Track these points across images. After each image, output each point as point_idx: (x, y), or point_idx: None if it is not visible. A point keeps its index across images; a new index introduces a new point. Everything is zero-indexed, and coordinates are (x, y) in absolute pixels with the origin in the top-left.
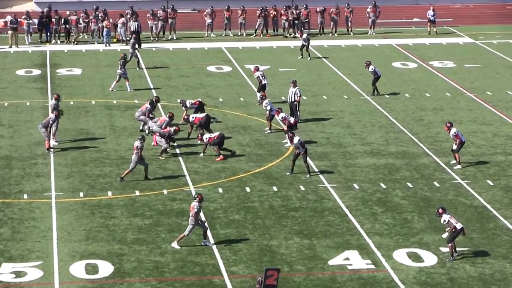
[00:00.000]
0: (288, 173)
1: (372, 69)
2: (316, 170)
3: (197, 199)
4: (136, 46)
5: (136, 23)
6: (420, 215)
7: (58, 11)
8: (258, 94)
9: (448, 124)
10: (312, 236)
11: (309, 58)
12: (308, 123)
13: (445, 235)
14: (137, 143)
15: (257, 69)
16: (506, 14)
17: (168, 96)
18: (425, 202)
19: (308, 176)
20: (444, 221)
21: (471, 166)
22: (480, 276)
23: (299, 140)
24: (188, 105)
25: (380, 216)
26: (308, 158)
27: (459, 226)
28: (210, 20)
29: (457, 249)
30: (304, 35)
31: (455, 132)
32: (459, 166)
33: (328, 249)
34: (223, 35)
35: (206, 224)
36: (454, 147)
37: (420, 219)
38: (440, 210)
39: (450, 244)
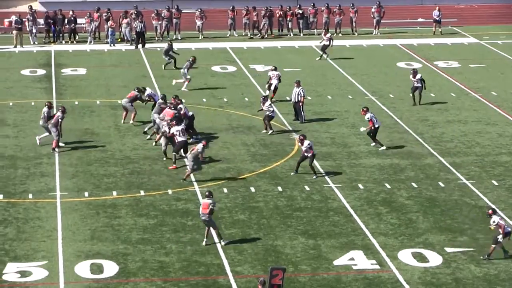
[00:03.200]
0: (292, 173)
1: (419, 77)
2: (322, 171)
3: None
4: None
5: (141, 24)
6: (425, 215)
7: (62, 11)
8: (268, 92)
9: (365, 109)
10: (317, 236)
11: (318, 58)
12: (313, 123)
13: (500, 237)
14: (198, 146)
15: (274, 69)
16: (511, 14)
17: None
18: (430, 202)
19: (315, 177)
20: (494, 222)
21: (476, 166)
22: (485, 276)
23: (309, 143)
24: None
25: (385, 216)
26: (314, 161)
27: (507, 229)
28: (200, 22)
29: (462, 249)
30: (328, 35)
31: (368, 117)
32: (383, 148)
33: (333, 249)
34: (228, 35)
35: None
36: (367, 130)
37: (425, 219)
38: (490, 211)
39: (494, 246)
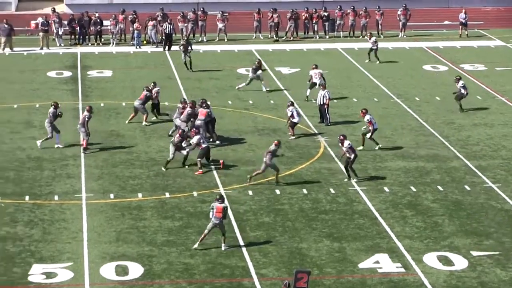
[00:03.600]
0: (346, 179)
1: (461, 84)
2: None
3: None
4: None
5: (170, 25)
6: (451, 219)
7: (88, 13)
8: (309, 91)
9: (364, 110)
10: (342, 239)
11: (377, 62)
12: (338, 126)
13: None
14: (271, 147)
15: (315, 67)
16: None
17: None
18: (455, 206)
19: (354, 180)
20: None
21: (502, 170)
22: (511, 280)
23: (349, 144)
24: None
25: (410, 219)
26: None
27: None
28: (222, 25)
29: (488, 253)
30: (373, 38)
31: (368, 119)
32: (361, 148)
33: (358, 252)
34: (253, 37)
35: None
36: (364, 130)
37: (451, 222)
38: None
39: None
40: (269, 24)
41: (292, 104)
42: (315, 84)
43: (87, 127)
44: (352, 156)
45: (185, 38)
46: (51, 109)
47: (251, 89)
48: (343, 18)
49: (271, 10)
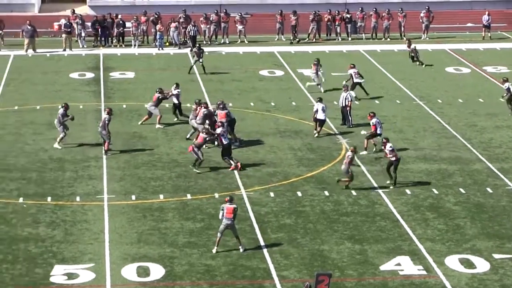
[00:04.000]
0: (391, 187)
1: (506, 86)
2: (390, 181)
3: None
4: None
5: (194, 27)
6: (473, 221)
7: (111, 14)
8: (352, 92)
9: (372, 114)
10: (363, 241)
11: (423, 66)
12: (360, 128)
13: None
14: (348, 153)
15: (352, 66)
16: None
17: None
18: (477, 208)
19: (388, 182)
20: None
21: None
22: None
23: (391, 146)
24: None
25: (432, 222)
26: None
27: None
28: (242, 27)
29: (510, 255)
30: (412, 46)
31: (373, 122)
32: (364, 152)
33: (379, 254)
34: (276, 39)
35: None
36: (363, 132)
37: (473, 225)
38: None
39: None
40: (277, 26)
41: (320, 101)
42: (357, 84)
43: (108, 129)
44: (393, 159)
45: (198, 45)
46: (61, 110)
47: (273, 91)
48: (364, 20)
49: (294, 12)
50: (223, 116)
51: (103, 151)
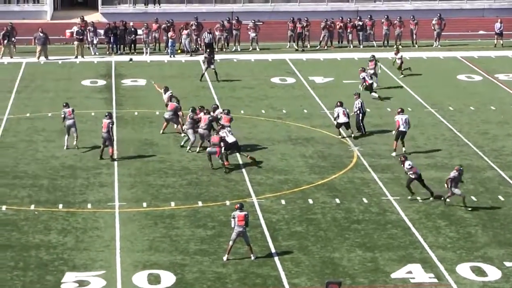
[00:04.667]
0: (409, 197)
1: None
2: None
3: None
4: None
5: (210, 35)
6: (484, 229)
7: (123, 22)
8: (374, 93)
9: (399, 110)
10: (374, 249)
11: (409, 70)
12: (372, 136)
13: None
14: (452, 174)
15: (362, 70)
16: None
17: (232, 107)
18: (489, 216)
19: (409, 197)
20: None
21: None
22: None
23: (409, 164)
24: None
25: (443, 230)
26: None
27: None
28: (254, 34)
29: None
30: (400, 54)
31: (398, 118)
32: (394, 154)
33: (390, 262)
34: (287, 46)
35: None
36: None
37: (484, 233)
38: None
39: None
40: (289, 34)
41: (341, 105)
42: (371, 85)
43: (112, 134)
44: (413, 176)
45: (208, 51)
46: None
47: (284, 98)
48: (373, 28)
49: (306, 19)
50: (228, 120)
51: (110, 158)
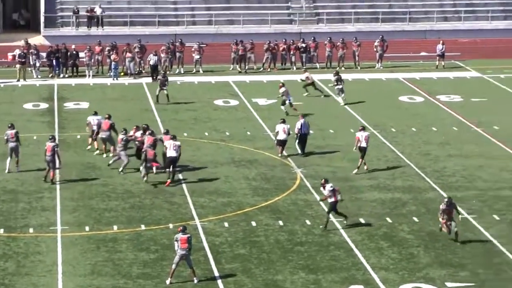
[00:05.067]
0: (321, 226)
1: None
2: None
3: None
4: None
5: (155, 57)
6: (426, 250)
7: (65, 45)
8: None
9: (361, 127)
10: (317, 271)
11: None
12: (315, 157)
13: None
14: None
15: (282, 85)
16: None
17: (176, 130)
18: (431, 237)
19: (321, 226)
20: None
21: (478, 201)
22: None
23: (332, 186)
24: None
25: (386, 251)
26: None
27: None
28: (198, 56)
29: (463, 284)
30: (306, 73)
31: (358, 135)
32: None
33: (333, 283)
34: (231, 68)
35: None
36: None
37: (426, 254)
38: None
39: None
40: (247, 56)
41: (283, 122)
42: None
43: (58, 156)
44: (332, 200)
45: (162, 72)
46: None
47: (227, 120)
48: (317, 50)
49: (251, 41)
50: (151, 140)
51: (51, 181)
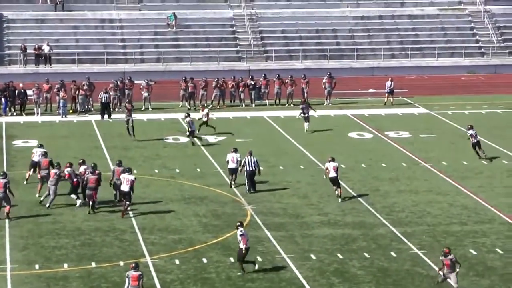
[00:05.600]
0: (239, 273)
1: (469, 133)
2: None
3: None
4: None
5: (106, 95)
6: (377, 286)
7: (13, 82)
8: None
9: (330, 158)
10: None
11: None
12: (265, 194)
13: None
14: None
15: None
16: (461, 85)
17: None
18: (382, 273)
19: (240, 273)
20: None
21: (428, 236)
22: None
23: (242, 231)
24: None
25: (337, 287)
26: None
27: None
28: (147, 94)
29: None
30: (206, 110)
31: (327, 165)
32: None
33: None
34: (180, 106)
35: None
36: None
37: None
38: None
39: None
40: (181, 93)
41: (234, 151)
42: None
43: (11, 192)
44: (243, 246)
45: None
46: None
47: (177, 157)
48: (267, 87)
49: (204, 79)
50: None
51: (6, 216)
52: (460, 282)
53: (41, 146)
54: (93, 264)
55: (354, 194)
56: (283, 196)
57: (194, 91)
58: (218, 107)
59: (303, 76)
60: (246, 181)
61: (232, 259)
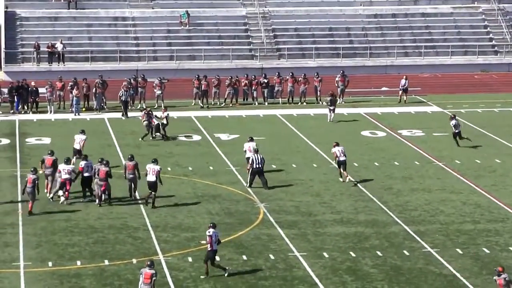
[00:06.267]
0: (203, 276)
1: (453, 123)
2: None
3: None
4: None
5: (126, 92)
6: (390, 284)
7: (26, 80)
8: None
9: (335, 143)
10: None
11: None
12: (278, 192)
13: None
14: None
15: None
16: (474, 83)
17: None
18: (394, 271)
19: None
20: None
21: (441, 235)
22: None
23: (213, 233)
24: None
25: (349, 285)
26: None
27: None
28: (160, 92)
29: None
30: (166, 113)
31: (335, 150)
32: (341, 179)
33: None
34: (193, 104)
35: None
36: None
37: (390, 287)
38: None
39: None
40: (194, 91)
41: (251, 140)
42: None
43: (38, 189)
44: (210, 249)
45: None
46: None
47: (190, 155)
48: (281, 85)
49: (217, 77)
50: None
51: (28, 212)
52: (473, 281)
53: (82, 131)
54: (106, 262)
55: (367, 192)
56: (295, 194)
57: (207, 89)
58: (231, 105)
59: (316, 74)
60: (249, 176)
61: (244, 257)
